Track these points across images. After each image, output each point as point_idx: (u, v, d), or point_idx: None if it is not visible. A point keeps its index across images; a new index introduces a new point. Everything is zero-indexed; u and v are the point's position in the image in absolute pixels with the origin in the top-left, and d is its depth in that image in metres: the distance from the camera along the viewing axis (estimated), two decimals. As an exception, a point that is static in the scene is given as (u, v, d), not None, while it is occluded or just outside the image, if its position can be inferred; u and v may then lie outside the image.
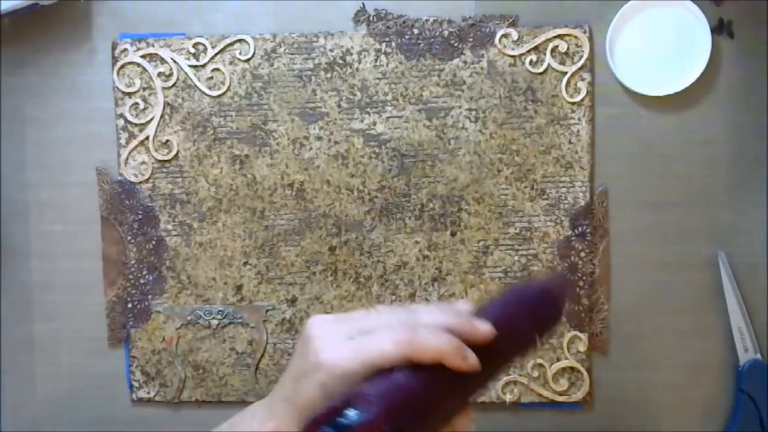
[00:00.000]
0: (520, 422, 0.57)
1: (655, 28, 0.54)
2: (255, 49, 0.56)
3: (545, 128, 0.55)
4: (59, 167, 0.58)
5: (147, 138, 0.57)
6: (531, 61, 0.55)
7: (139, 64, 0.57)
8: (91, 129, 0.58)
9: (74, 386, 0.59)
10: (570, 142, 0.55)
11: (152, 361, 0.58)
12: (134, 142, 0.57)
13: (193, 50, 0.56)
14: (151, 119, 0.57)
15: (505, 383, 0.56)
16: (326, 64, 0.56)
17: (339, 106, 0.56)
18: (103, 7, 0.58)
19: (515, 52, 0.55)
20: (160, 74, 0.57)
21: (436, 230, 0.56)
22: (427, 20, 0.55)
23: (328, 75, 0.56)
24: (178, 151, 0.57)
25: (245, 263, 0.57)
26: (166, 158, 0.57)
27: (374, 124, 0.56)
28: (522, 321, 0.35)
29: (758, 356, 0.54)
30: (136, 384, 0.58)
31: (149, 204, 0.57)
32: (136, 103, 0.57)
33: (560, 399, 0.56)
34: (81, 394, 0.59)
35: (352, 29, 0.56)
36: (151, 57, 0.57)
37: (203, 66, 0.57)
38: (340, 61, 0.56)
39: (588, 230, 0.55)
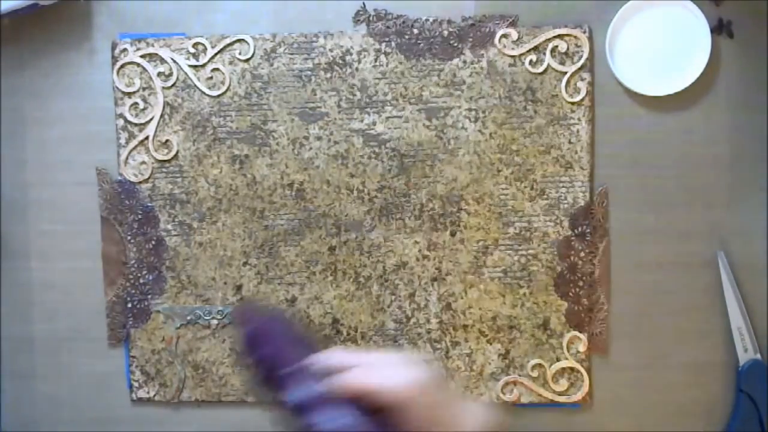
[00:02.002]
0: (520, 422, 0.56)
1: (655, 28, 0.54)
2: (255, 49, 0.56)
3: (545, 128, 0.55)
4: (59, 167, 0.58)
5: (147, 138, 0.57)
6: (531, 61, 0.55)
7: (138, 64, 0.57)
8: (91, 129, 0.58)
9: (74, 386, 0.59)
10: (570, 142, 0.55)
11: (152, 360, 0.58)
12: (134, 142, 0.57)
13: (192, 50, 0.56)
14: (151, 119, 0.57)
15: (505, 383, 0.56)
16: (326, 64, 0.56)
17: (339, 106, 0.56)
18: (102, 7, 0.58)
19: (515, 52, 0.55)
20: (159, 74, 0.57)
21: (435, 230, 0.56)
22: (426, 20, 0.55)
23: (328, 75, 0.56)
24: (177, 151, 0.57)
25: (245, 263, 0.57)
26: (165, 158, 0.57)
27: (374, 124, 0.56)
28: None
29: (758, 356, 0.54)
30: (136, 384, 0.58)
31: (149, 204, 0.57)
32: (136, 103, 0.57)
33: (560, 399, 0.56)
34: (81, 394, 0.59)
35: (352, 29, 0.56)
36: (151, 57, 0.57)
37: (203, 66, 0.57)
38: (340, 61, 0.56)
39: (588, 230, 0.55)
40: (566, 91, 0.55)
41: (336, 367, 0.34)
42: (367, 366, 0.34)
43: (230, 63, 0.56)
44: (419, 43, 0.55)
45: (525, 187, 0.55)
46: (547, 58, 0.55)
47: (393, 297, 0.56)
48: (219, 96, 0.57)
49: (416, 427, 0.33)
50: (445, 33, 0.55)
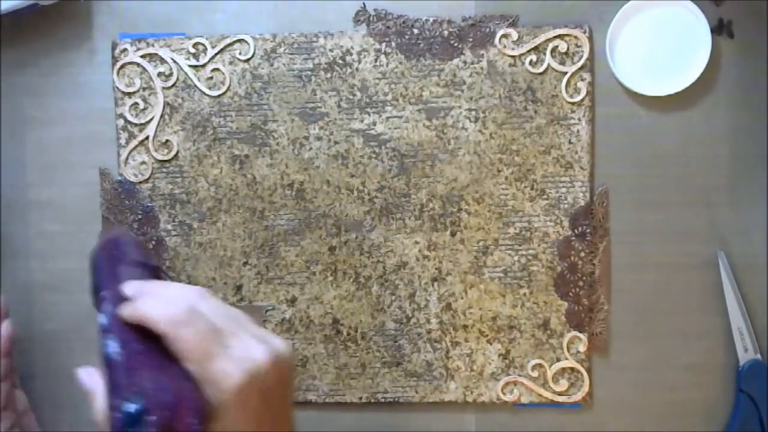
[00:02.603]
0: (519, 422, 0.57)
1: (655, 28, 0.54)
2: (255, 49, 0.56)
3: (545, 128, 0.55)
4: (59, 167, 0.58)
5: (147, 138, 0.57)
6: (531, 61, 0.55)
7: (139, 64, 0.57)
8: (91, 129, 0.58)
9: (74, 386, 0.59)
10: (570, 142, 0.55)
11: (152, 361, 0.58)
12: (134, 142, 0.57)
13: (193, 50, 0.57)
14: (151, 119, 0.57)
15: (504, 383, 0.56)
16: (326, 64, 0.56)
17: (339, 106, 0.56)
18: (103, 7, 0.58)
19: (515, 52, 0.55)
20: (160, 74, 0.57)
21: (436, 230, 0.56)
22: (427, 20, 0.55)
23: (328, 75, 0.56)
24: (178, 151, 0.57)
25: (245, 263, 0.57)
26: (166, 158, 0.57)
27: (374, 124, 0.56)
28: None
29: (758, 356, 0.54)
30: (136, 384, 0.58)
31: (149, 204, 0.57)
32: (136, 103, 0.57)
33: (560, 399, 0.56)
34: (81, 394, 0.59)
35: (352, 29, 0.56)
36: (151, 57, 0.57)
37: (203, 66, 0.57)
38: (340, 61, 0.56)
39: (588, 230, 0.55)
40: (566, 91, 0.55)
41: (134, 294, 0.37)
42: (154, 295, 0.36)
43: (230, 63, 0.56)
44: (419, 43, 0.55)
45: (525, 187, 0.55)
46: (547, 58, 0.55)
47: (393, 297, 0.56)
48: (219, 96, 0.57)
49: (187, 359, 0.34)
50: (445, 33, 0.55)
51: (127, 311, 0.36)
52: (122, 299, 0.37)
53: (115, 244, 0.42)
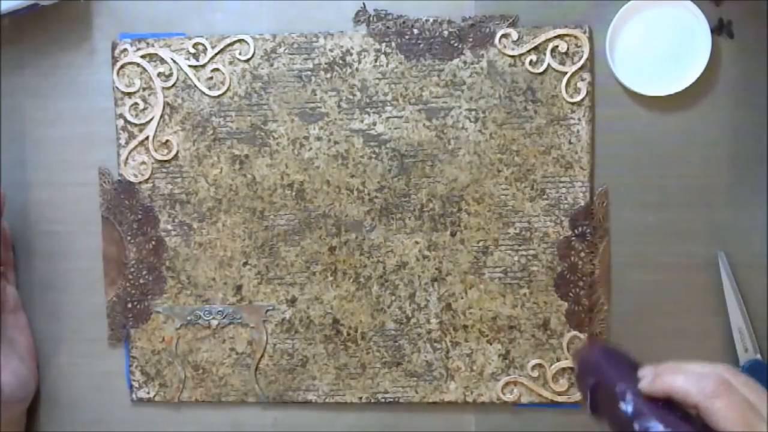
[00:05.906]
0: (519, 422, 0.57)
1: (655, 28, 0.54)
2: (255, 49, 0.56)
3: (545, 128, 0.55)
4: (59, 167, 0.58)
5: (147, 138, 0.57)
6: (531, 61, 0.55)
7: (138, 64, 0.57)
8: (91, 129, 0.58)
9: (74, 386, 0.59)
10: (570, 142, 0.55)
11: (152, 361, 0.58)
12: (134, 142, 0.57)
13: (192, 50, 0.57)
14: (151, 119, 0.57)
15: (504, 383, 0.56)
16: (326, 64, 0.56)
17: (339, 106, 0.56)
18: (102, 7, 0.58)
19: (515, 52, 0.55)
20: (159, 74, 0.57)
21: (435, 230, 0.56)
22: (427, 20, 0.55)
23: (328, 75, 0.56)
24: (177, 152, 0.57)
25: (245, 263, 0.57)
26: (165, 158, 0.57)
27: (374, 124, 0.56)
28: None
29: (758, 356, 0.54)
30: (135, 384, 0.58)
31: (149, 204, 0.57)
32: (136, 103, 0.57)
33: (560, 399, 0.56)
34: (81, 394, 0.59)
35: (352, 29, 0.56)
36: (151, 57, 0.57)
37: (203, 66, 0.57)
38: (340, 61, 0.56)
39: (588, 230, 0.55)
40: (566, 92, 0.55)
41: (654, 374, 0.37)
42: (677, 371, 0.37)
43: (230, 63, 0.56)
44: (419, 44, 0.55)
45: (525, 187, 0.55)
46: (548, 58, 0.55)
47: (393, 297, 0.56)
48: (219, 96, 0.57)
49: (725, 427, 0.34)
50: (445, 33, 0.55)
51: (655, 386, 0.37)
52: (638, 389, 0.38)
53: (603, 350, 0.43)
